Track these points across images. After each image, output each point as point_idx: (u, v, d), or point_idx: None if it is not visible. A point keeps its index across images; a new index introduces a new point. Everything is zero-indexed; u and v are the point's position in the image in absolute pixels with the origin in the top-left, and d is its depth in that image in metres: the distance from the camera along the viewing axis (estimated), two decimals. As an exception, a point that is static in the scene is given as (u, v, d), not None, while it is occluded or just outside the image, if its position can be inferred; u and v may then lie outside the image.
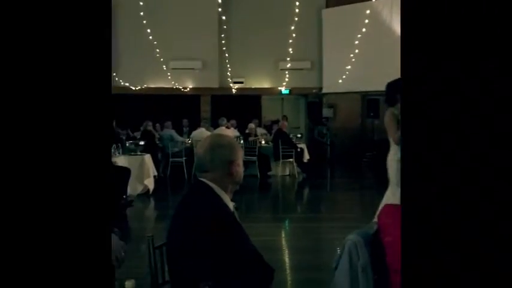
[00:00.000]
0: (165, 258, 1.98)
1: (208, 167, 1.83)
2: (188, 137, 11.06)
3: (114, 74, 13.23)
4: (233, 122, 11.46)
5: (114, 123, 11.20)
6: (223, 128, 10.19)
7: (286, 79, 13.37)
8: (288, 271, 4.31)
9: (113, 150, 7.72)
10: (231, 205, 1.85)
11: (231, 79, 13.50)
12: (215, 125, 11.29)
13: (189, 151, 10.01)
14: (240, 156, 1.89)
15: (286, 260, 4.72)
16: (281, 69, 13.35)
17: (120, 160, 7.53)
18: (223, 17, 11.80)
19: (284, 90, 13.88)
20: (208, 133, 10.17)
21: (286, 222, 6.56)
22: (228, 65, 13.07)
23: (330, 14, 13.25)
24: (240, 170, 1.87)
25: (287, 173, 10.44)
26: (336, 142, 13.23)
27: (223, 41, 12.73)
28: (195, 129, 10.95)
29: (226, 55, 12.76)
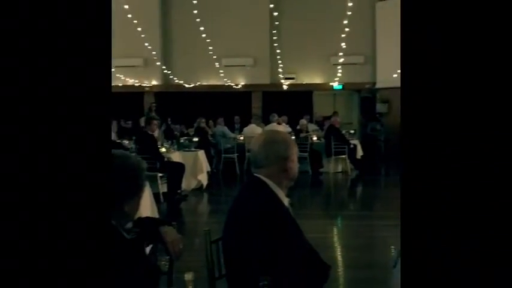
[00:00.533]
0: (221, 252, 2.02)
1: (263, 163, 1.85)
2: (240, 134, 11.18)
3: (170, 72, 13.60)
4: (284, 118, 11.44)
5: (170, 120, 11.56)
6: (275, 124, 10.20)
7: (339, 74, 13.17)
8: (340, 269, 4.27)
9: (168, 146, 7.95)
10: (286, 201, 1.86)
11: (282, 75, 13.48)
12: (266, 121, 11.34)
13: (241, 147, 10.13)
14: (295, 152, 1.89)
15: (339, 257, 4.67)
16: (333, 64, 13.16)
17: (175, 156, 7.74)
18: (275, 13, 11.79)
19: (336, 85, 13.68)
20: (259, 129, 10.23)
21: (339, 219, 6.49)
22: (280, 61, 13.06)
23: (383, 7, 12.89)
24: (294, 166, 1.88)
25: (339, 169, 10.30)
26: (391, 138, 12.88)
27: (274, 37, 12.72)
28: (246, 125, 11.06)
29: (278, 51, 12.75)
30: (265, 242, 1.65)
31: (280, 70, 13.35)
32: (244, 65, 13.53)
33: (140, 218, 1.84)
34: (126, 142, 8.18)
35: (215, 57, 12.74)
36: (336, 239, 5.52)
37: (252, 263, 1.66)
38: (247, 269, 1.67)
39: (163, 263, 1.99)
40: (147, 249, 1.92)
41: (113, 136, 8.12)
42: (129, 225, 1.73)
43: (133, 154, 3.14)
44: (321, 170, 10.21)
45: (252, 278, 1.44)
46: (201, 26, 11.50)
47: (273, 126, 9.93)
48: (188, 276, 1.38)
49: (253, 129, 10.30)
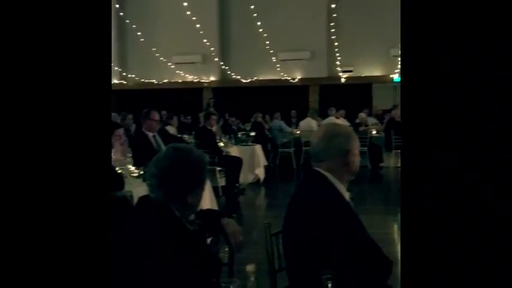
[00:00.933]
0: (281, 245, 2.02)
1: (323, 157, 1.83)
2: (296, 128, 11.13)
3: (227, 67, 13.79)
4: (342, 112, 11.24)
5: (227, 115, 11.73)
6: (333, 118, 10.06)
7: (400, 66, 12.71)
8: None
9: (226, 141, 8.08)
10: (346, 195, 1.83)
11: (340, 68, 13.24)
12: (324, 115, 11.20)
13: (297, 142, 10.08)
14: (356, 145, 1.85)
15: (400, 253, 4.54)
16: (393, 56, 12.74)
17: (233, 150, 7.84)
18: (333, 5, 11.60)
19: (397, 77, 13.24)
20: (315, 123, 10.14)
21: (399, 215, 6.29)
22: (337, 54, 12.84)
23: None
24: (356, 160, 1.84)
25: (400, 164, 9.95)
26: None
27: (332, 30, 12.52)
28: (303, 120, 10.99)
29: (336, 44, 12.54)
30: (327, 236, 1.64)
31: (337, 63, 13.13)
32: (301, 59, 13.43)
33: (202, 210, 1.88)
34: (185, 137, 8.40)
35: (272, 51, 12.75)
36: (396, 235, 5.37)
37: (313, 256, 1.65)
38: (309, 263, 1.66)
39: (223, 254, 2.03)
40: (208, 241, 1.97)
41: (173, 131, 8.35)
42: (192, 216, 1.77)
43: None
44: (381, 164, 9.93)
45: (314, 271, 1.43)
46: (258, 21, 11.55)
47: (331, 120, 9.79)
48: (250, 267, 1.40)
49: (310, 123, 10.22)
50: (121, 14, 13.37)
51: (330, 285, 1.35)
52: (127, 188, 3.93)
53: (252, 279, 1.40)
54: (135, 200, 3.77)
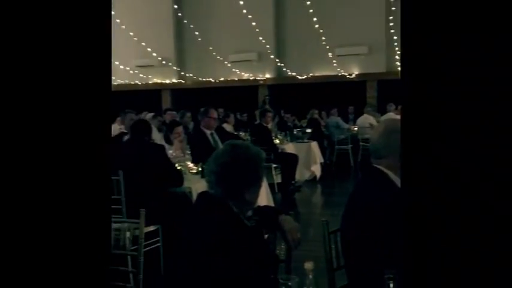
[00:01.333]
0: (339, 244, 1.99)
1: (383, 154, 1.77)
2: (354, 124, 10.91)
3: (283, 64, 13.77)
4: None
5: (282, 112, 11.72)
6: (392, 113, 9.76)
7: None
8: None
9: (281, 138, 8.08)
10: (408, 193, 1.76)
11: (399, 62, 12.81)
12: (382, 111, 10.90)
13: (355, 138, 9.88)
14: (419, 142, 1.78)
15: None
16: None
17: (289, 147, 7.83)
18: (391, -1, 11.25)
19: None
20: (373, 119, 9.89)
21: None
22: (397, 48, 12.43)
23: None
24: (418, 157, 1.77)
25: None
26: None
27: (391, 24, 12.14)
28: (360, 116, 10.76)
29: (395, 38, 12.15)
30: (389, 236, 1.59)
31: (397, 57, 12.70)
32: (358, 54, 13.13)
33: (259, 207, 1.89)
34: (242, 134, 8.49)
35: (328, 47, 12.57)
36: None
37: (375, 256, 1.61)
38: (370, 262, 1.62)
39: (280, 251, 2.03)
40: (265, 237, 1.97)
41: (230, 128, 8.47)
42: (249, 213, 1.79)
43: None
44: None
45: (375, 271, 1.40)
46: (314, 17, 11.43)
47: (390, 116, 9.50)
48: (308, 265, 1.39)
49: (368, 120, 9.99)
50: (179, 14, 13.73)
51: (392, 285, 1.32)
52: (186, 184, 4.03)
53: (311, 276, 1.39)
54: (194, 195, 3.89)
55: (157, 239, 3.70)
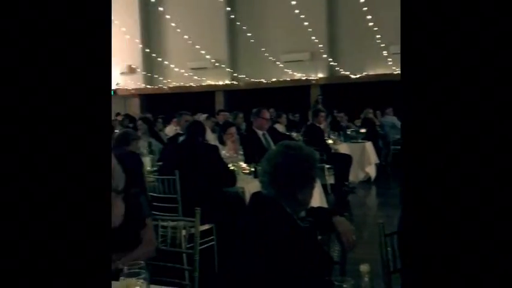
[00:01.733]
0: (395, 247, 1.94)
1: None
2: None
3: (336, 63, 13.60)
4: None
5: (335, 111, 11.57)
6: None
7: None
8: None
9: (335, 138, 7.97)
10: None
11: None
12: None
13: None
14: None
15: None
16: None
17: (342, 147, 7.71)
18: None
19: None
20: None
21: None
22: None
23: None
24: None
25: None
26: None
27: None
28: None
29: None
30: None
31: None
32: (414, 51, 12.72)
33: (313, 208, 1.88)
34: (294, 135, 8.46)
35: (383, 45, 12.27)
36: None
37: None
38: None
39: (334, 253, 2.00)
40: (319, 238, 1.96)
41: (282, 129, 8.46)
42: (303, 214, 1.78)
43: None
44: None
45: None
46: (368, 15, 11.20)
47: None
48: (364, 267, 1.36)
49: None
50: (232, 16, 13.91)
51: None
52: (239, 184, 4.08)
53: (366, 279, 1.36)
54: (247, 195, 3.92)
55: (212, 237, 3.77)
